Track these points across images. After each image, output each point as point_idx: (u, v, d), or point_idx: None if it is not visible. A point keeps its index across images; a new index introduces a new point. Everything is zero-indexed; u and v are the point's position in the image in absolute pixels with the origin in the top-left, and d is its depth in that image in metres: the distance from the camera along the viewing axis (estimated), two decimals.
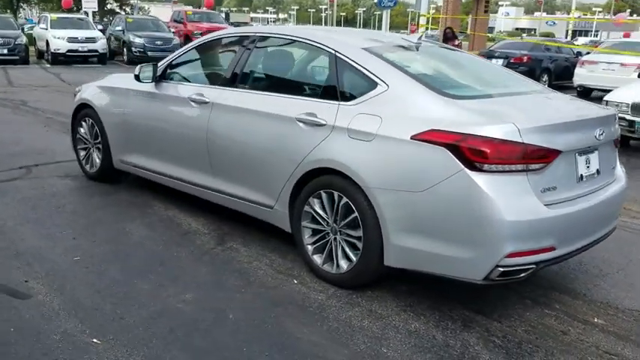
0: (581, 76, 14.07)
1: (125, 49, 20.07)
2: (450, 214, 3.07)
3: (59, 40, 18.68)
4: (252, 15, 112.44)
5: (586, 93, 13.70)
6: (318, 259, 3.71)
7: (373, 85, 3.51)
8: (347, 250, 3.52)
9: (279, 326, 3.13)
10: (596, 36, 71.76)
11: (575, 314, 3.48)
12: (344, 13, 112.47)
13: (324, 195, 3.59)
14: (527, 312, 3.47)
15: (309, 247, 3.74)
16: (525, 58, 15.19)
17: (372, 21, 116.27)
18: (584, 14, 71.59)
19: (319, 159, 3.56)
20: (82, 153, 5.68)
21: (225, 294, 3.46)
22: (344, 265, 3.54)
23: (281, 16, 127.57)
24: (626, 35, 21.97)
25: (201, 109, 4.34)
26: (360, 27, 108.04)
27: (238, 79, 4.25)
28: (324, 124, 3.57)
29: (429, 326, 3.21)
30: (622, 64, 13.39)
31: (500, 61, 14.60)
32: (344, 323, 3.19)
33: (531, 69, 15.06)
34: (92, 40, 19.18)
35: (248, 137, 4.02)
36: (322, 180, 3.60)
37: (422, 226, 3.17)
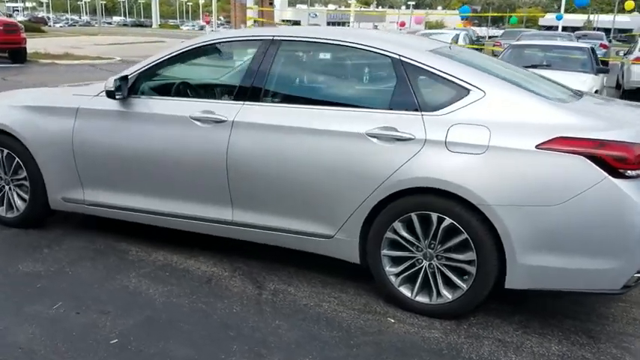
0: None
1: None
2: (592, 226, 2.91)
3: None
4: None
5: None
6: (406, 290, 3.30)
7: (463, 91, 3.18)
8: (451, 276, 3.17)
9: None
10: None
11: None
12: (104, 1, 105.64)
13: (415, 218, 3.17)
14: (603, 307, 3.50)
15: (393, 278, 3.30)
16: None
17: (135, 10, 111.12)
18: (345, 6, 77.01)
19: (411, 178, 3.13)
20: None
21: (341, 352, 2.89)
22: (448, 293, 3.19)
23: (29, 4, 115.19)
24: (402, 25, 24.06)
25: (214, 129, 3.56)
26: (124, 16, 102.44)
27: (265, 92, 3.56)
28: (412, 138, 3.14)
29: (568, 346, 3.06)
30: None
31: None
32: None
33: None
34: None
35: (294, 160, 3.39)
36: (412, 201, 3.18)
37: (557, 242, 2.97)
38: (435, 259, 3.20)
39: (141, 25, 75.82)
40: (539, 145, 2.95)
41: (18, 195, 4.27)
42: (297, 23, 76.49)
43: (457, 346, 2.99)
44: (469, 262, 3.10)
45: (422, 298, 3.27)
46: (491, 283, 3.10)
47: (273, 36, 3.65)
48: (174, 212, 3.78)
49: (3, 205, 4.33)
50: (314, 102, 3.54)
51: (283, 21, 78.92)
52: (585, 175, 2.89)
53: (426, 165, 3.11)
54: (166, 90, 3.95)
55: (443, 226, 3.12)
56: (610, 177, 2.86)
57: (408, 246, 3.24)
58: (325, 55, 3.73)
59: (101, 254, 3.93)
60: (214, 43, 3.82)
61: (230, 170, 3.54)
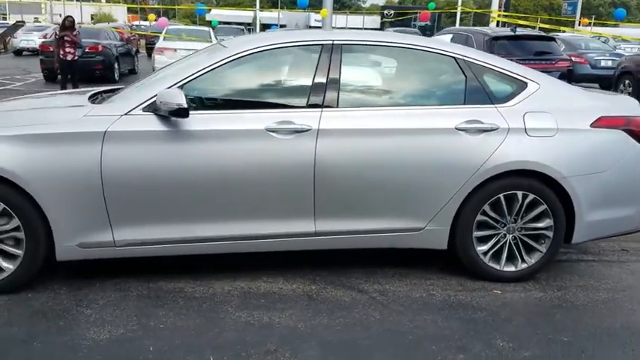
0: (164, 62, 14.44)
1: None
2: (627, 182, 3.78)
3: None
4: None
5: None
6: (494, 264, 3.72)
7: (523, 84, 3.72)
8: (532, 243, 3.72)
9: None
10: (5, 19, 68.60)
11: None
12: None
13: (502, 198, 3.62)
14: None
15: (483, 256, 3.70)
16: (100, 47, 14.43)
17: None
18: None
19: (502, 163, 3.55)
20: None
21: (510, 327, 3.20)
22: (531, 259, 3.73)
23: None
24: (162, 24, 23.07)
25: (296, 140, 3.39)
26: None
27: (341, 97, 3.51)
28: (496, 128, 3.57)
29: (616, 283, 3.90)
30: (197, 51, 14.50)
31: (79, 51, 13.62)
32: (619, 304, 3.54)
33: (106, 57, 14.54)
34: None
35: (387, 161, 3.48)
36: (500, 183, 3.60)
37: (607, 199, 3.74)
38: (516, 231, 3.69)
39: None
40: (592, 124, 3.68)
41: (1, 252, 3.29)
42: None
43: (563, 297, 3.58)
44: (547, 228, 3.69)
45: (508, 268, 3.73)
46: (561, 242, 3.74)
47: (333, 40, 3.61)
48: (245, 234, 3.47)
49: None
50: (393, 103, 3.65)
51: None
52: (623, 144, 3.73)
53: (514, 150, 3.56)
54: (221, 102, 3.55)
55: (527, 201, 3.63)
56: (637, 143, 3.75)
57: (494, 224, 3.66)
58: (390, 58, 3.82)
59: (157, 300, 3.35)
60: (266, 50, 3.55)
61: (318, 180, 3.42)
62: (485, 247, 3.69)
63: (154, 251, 3.45)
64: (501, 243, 3.70)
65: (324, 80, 3.51)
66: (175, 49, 14.59)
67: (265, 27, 40.37)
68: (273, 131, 3.37)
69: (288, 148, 3.38)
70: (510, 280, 3.73)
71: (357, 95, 3.66)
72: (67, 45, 10.80)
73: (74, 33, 10.92)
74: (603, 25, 47.58)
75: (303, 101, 3.51)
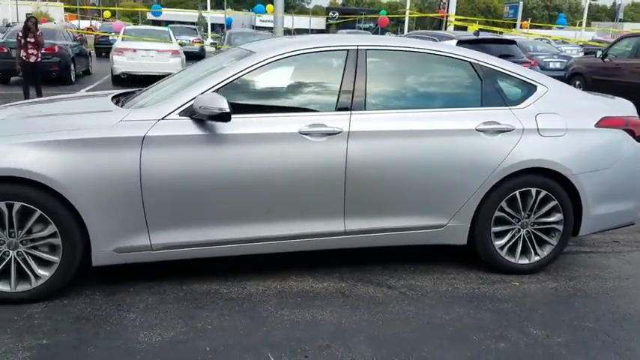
0: (123, 63, 14.21)
1: None
2: (627, 178, 4.07)
3: None
4: None
5: (131, 79, 14.00)
6: (509, 257, 3.93)
7: (532, 87, 3.96)
8: (544, 237, 3.96)
9: None
10: None
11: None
12: None
13: (518, 195, 3.84)
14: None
15: (500, 250, 3.91)
16: (57, 48, 13.98)
17: None
18: None
19: (519, 162, 3.76)
20: None
21: (536, 316, 3.40)
22: (543, 251, 3.97)
23: None
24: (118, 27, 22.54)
25: (328, 142, 3.49)
26: None
27: (368, 100, 3.64)
28: (512, 129, 3.78)
29: (614, 271, 4.19)
30: (159, 51, 14.33)
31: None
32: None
33: (63, 58, 14.13)
34: None
35: (414, 161, 3.64)
36: (516, 181, 3.81)
37: (610, 194, 4.02)
38: (529, 226, 3.92)
39: None
40: (596, 124, 3.94)
41: (36, 259, 3.26)
42: None
43: (575, 287, 3.82)
44: (557, 223, 3.93)
45: (522, 261, 3.96)
46: (570, 235, 3.99)
47: (358, 45, 3.73)
48: (278, 235, 3.54)
49: (9, 278, 3.23)
50: (416, 106, 3.79)
51: None
52: (624, 143, 4.02)
53: (529, 150, 3.79)
54: (254, 106, 3.59)
55: (540, 197, 3.86)
56: (635, 142, 4.04)
57: (510, 220, 3.87)
58: (412, 62, 3.96)
59: (196, 302, 3.38)
60: (294, 55, 3.63)
61: (349, 181, 3.54)
62: (501, 242, 3.89)
63: (190, 254, 3.48)
64: (516, 237, 3.91)
65: (351, 84, 3.63)
66: (135, 50, 14.36)
67: (214, 26, 39.90)
68: (306, 134, 3.46)
69: (320, 150, 3.48)
70: (525, 272, 3.95)
71: (383, 98, 3.79)
72: (30, 46, 10.46)
73: (38, 33, 10.58)
74: (538, 27, 49.59)
75: (332, 104, 3.62)
